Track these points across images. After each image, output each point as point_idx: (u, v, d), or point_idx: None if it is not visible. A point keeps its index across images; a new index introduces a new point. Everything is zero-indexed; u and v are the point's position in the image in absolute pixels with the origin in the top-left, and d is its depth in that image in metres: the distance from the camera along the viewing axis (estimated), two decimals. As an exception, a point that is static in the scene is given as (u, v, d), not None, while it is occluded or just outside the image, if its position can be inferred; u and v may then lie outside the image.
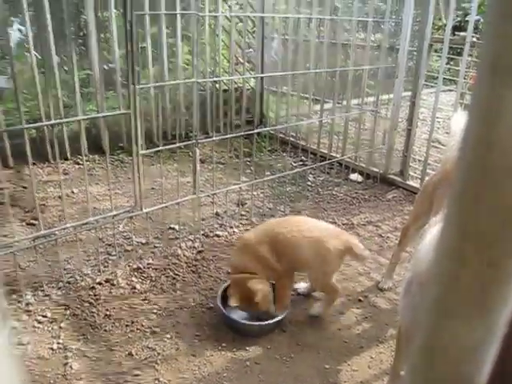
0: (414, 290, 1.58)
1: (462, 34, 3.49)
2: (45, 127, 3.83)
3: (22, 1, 3.57)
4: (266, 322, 2.30)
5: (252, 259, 2.32)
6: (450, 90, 5.77)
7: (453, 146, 2.20)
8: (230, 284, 2.42)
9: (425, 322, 0.28)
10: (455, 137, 2.19)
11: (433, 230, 1.57)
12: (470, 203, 0.25)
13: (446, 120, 5.33)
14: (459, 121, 2.25)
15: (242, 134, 3.12)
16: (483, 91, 0.24)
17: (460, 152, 0.26)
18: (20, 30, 4.96)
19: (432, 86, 5.41)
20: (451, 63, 6.08)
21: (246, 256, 2.35)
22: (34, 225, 3.08)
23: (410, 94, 3.90)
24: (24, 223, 3.14)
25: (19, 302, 2.38)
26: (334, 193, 3.87)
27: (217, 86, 4.46)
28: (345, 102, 4.26)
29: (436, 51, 4.89)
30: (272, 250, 2.33)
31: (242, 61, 4.82)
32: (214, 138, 2.96)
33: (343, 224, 3.37)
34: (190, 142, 2.85)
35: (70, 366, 2.03)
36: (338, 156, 4.11)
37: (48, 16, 3.57)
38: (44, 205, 3.36)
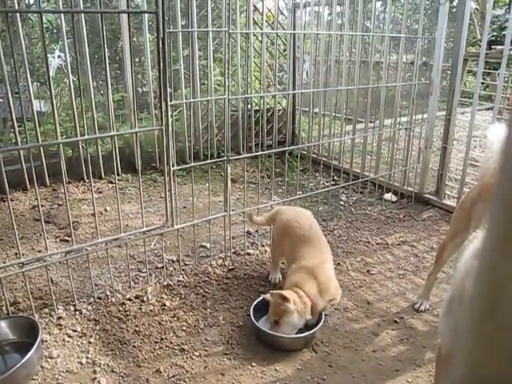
0: (455, 309, 1.50)
1: (498, 47, 3.41)
2: (80, 146, 3.93)
3: (61, 29, 3.73)
4: (296, 336, 2.26)
5: None
6: (488, 109, 5.64)
7: (490, 159, 2.11)
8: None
9: (488, 266, 0.24)
10: (492, 149, 2.11)
11: (474, 245, 1.49)
12: None
13: (483, 139, 5.19)
14: (496, 133, 2.17)
15: (274, 151, 3.10)
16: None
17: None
18: (60, 57, 5.16)
19: (467, 105, 5.31)
20: (487, 79, 5.95)
21: None
22: (67, 241, 3.12)
23: (443, 113, 3.82)
24: (58, 239, 3.19)
25: (51, 315, 2.40)
26: (368, 212, 3.79)
27: (248, 106, 4.48)
28: (377, 122, 4.21)
29: (470, 69, 4.80)
30: None
31: (273, 82, 4.85)
32: (245, 155, 2.96)
33: (377, 244, 3.29)
34: (221, 159, 2.85)
35: (98, 381, 2.01)
36: (371, 175, 4.05)
37: (86, 42, 3.71)
38: (78, 222, 3.41)
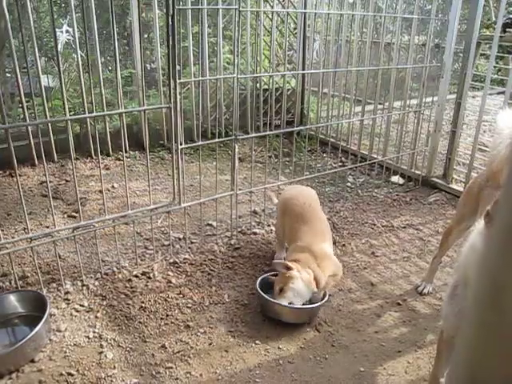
0: (460, 294, 1.51)
1: (513, 30, 3.34)
2: (88, 123, 3.93)
3: (70, 3, 3.69)
4: (299, 307, 2.29)
5: None
6: (499, 93, 5.56)
7: (499, 145, 2.09)
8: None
9: (491, 269, 0.24)
10: (501, 135, 2.09)
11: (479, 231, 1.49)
12: None
13: (493, 123, 5.14)
14: (506, 119, 2.14)
15: (282, 131, 3.09)
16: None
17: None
18: (68, 31, 5.12)
19: (478, 89, 5.24)
20: (500, 63, 5.85)
21: None
22: (75, 217, 3.15)
23: (454, 96, 3.77)
24: (65, 215, 3.22)
25: (59, 290, 2.44)
26: (374, 194, 3.79)
27: (257, 85, 4.45)
28: (387, 104, 4.17)
29: (484, 51, 4.72)
30: None
31: (283, 61, 4.80)
32: (253, 135, 2.95)
33: (383, 226, 3.29)
34: (229, 138, 2.84)
35: (105, 355, 2.05)
36: (378, 157, 4.03)
37: (94, 17, 3.67)
38: (85, 198, 3.44)
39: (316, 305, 2.32)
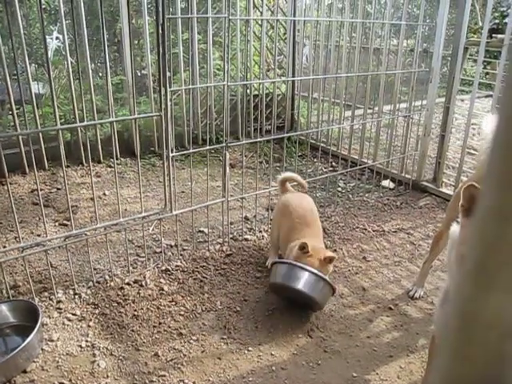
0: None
1: (499, 36, 3.39)
2: (79, 130, 3.93)
3: (60, 10, 3.69)
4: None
5: None
6: (487, 96, 5.62)
7: (486, 150, 2.12)
8: None
9: (463, 296, 0.25)
10: (488, 139, 2.12)
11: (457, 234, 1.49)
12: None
13: (481, 127, 5.19)
14: (491, 123, 2.17)
15: (273, 138, 3.10)
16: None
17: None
18: (58, 38, 5.11)
19: (466, 93, 5.29)
20: (488, 67, 5.93)
21: None
22: (66, 225, 3.14)
23: (443, 100, 3.81)
24: (57, 224, 3.21)
25: (50, 299, 2.43)
26: (365, 199, 3.81)
27: (247, 91, 4.47)
28: (376, 108, 4.21)
29: (471, 55, 4.78)
30: None
31: (273, 66, 4.83)
32: (244, 142, 2.97)
33: (374, 230, 3.32)
34: (220, 145, 2.86)
35: (98, 364, 2.05)
36: (369, 162, 4.06)
37: (84, 24, 3.67)
38: (76, 206, 3.43)
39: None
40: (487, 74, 5.90)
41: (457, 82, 3.60)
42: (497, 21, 5.57)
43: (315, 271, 2.32)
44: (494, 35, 3.27)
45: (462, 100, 5.49)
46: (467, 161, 3.76)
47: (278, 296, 2.50)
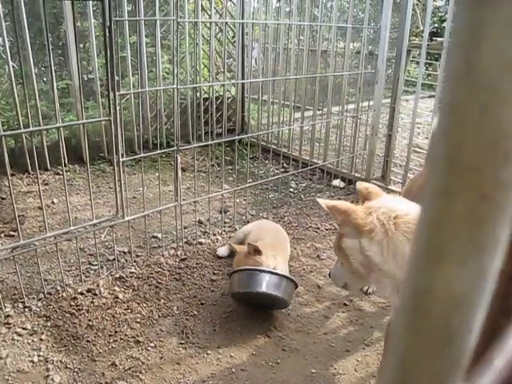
0: None
1: (439, 39, 3.55)
2: (24, 137, 3.79)
3: (-2, 11, 3.54)
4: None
5: None
6: (430, 97, 5.86)
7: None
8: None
9: (415, 273, 0.27)
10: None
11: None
12: (455, 132, 0.25)
13: (426, 126, 5.41)
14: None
15: (224, 140, 3.11)
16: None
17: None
18: (-3, 41, 4.90)
19: (411, 93, 5.49)
20: (429, 69, 6.18)
21: None
22: (13, 236, 3.02)
23: (389, 101, 3.95)
24: (2, 235, 3.08)
25: (-2, 314, 2.33)
26: (317, 199, 3.87)
27: (197, 94, 4.46)
28: (325, 110, 4.30)
29: (414, 57, 4.97)
30: None
31: (222, 69, 4.83)
32: (195, 145, 2.95)
33: (326, 229, 3.38)
34: (171, 149, 2.83)
35: (52, 379, 1.98)
36: (319, 162, 4.13)
37: (26, 26, 3.55)
38: (23, 216, 3.30)
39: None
40: (429, 75, 6.15)
41: (401, 83, 3.73)
42: (436, 25, 5.83)
43: (275, 271, 2.35)
44: (434, 38, 3.42)
45: (407, 100, 5.69)
46: (413, 159, 3.89)
47: (240, 303, 2.50)
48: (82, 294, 2.52)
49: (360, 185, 1.80)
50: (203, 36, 4.63)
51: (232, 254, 2.86)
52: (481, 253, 0.25)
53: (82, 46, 4.70)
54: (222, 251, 2.99)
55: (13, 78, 3.39)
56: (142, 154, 2.78)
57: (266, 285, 2.31)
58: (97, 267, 2.73)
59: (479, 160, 0.24)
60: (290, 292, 2.41)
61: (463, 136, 0.24)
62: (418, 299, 0.26)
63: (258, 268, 2.35)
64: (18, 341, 2.18)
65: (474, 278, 0.25)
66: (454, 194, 0.25)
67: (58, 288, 2.55)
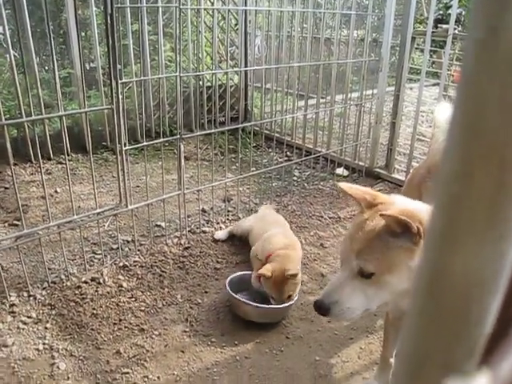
0: None
1: (444, 26, 3.51)
2: (26, 126, 3.78)
3: (-1, -1, 3.52)
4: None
5: None
6: (434, 85, 5.81)
7: (439, 138, 2.18)
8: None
9: (429, 256, 0.26)
10: (441, 128, 2.18)
11: None
12: (473, 103, 0.24)
13: (430, 114, 5.37)
14: (444, 112, 2.24)
15: (227, 129, 3.09)
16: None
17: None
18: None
19: (415, 81, 5.45)
20: (434, 56, 6.13)
21: None
22: (16, 225, 3.02)
23: (393, 88, 3.92)
24: (6, 224, 3.08)
25: (3, 303, 2.33)
26: (320, 187, 3.87)
27: (200, 82, 4.43)
28: (329, 98, 4.27)
29: (418, 45, 4.92)
30: None
31: (225, 57, 4.80)
32: (198, 133, 2.95)
33: (330, 218, 3.37)
34: (174, 138, 2.82)
35: (57, 366, 1.99)
36: (323, 151, 4.12)
37: (26, 14, 3.52)
38: (27, 205, 3.30)
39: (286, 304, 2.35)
40: (433, 62, 6.09)
41: (405, 70, 3.70)
42: (441, 12, 5.76)
43: (279, 306, 2.32)
44: (439, 25, 3.38)
45: (411, 88, 5.65)
46: (417, 147, 3.87)
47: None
48: (86, 282, 2.53)
49: (355, 189, 1.54)
50: (206, 23, 4.59)
51: (231, 237, 2.98)
52: (499, 237, 0.24)
53: (83, 34, 4.67)
54: (220, 235, 3.01)
55: (14, 67, 3.37)
56: (144, 143, 2.77)
57: (272, 317, 2.36)
58: (100, 256, 2.74)
59: (498, 132, 0.23)
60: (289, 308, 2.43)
61: (482, 107, 0.23)
62: (434, 283, 0.26)
63: (263, 306, 2.31)
64: (23, 329, 2.19)
65: (492, 262, 0.25)
66: (471, 178, 0.24)
67: (62, 277, 2.56)
